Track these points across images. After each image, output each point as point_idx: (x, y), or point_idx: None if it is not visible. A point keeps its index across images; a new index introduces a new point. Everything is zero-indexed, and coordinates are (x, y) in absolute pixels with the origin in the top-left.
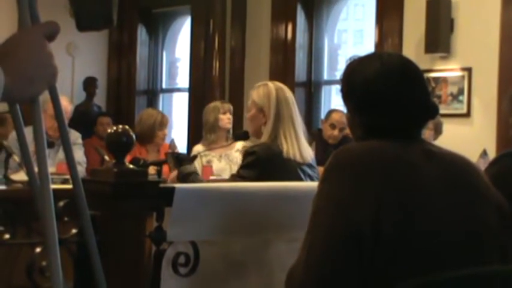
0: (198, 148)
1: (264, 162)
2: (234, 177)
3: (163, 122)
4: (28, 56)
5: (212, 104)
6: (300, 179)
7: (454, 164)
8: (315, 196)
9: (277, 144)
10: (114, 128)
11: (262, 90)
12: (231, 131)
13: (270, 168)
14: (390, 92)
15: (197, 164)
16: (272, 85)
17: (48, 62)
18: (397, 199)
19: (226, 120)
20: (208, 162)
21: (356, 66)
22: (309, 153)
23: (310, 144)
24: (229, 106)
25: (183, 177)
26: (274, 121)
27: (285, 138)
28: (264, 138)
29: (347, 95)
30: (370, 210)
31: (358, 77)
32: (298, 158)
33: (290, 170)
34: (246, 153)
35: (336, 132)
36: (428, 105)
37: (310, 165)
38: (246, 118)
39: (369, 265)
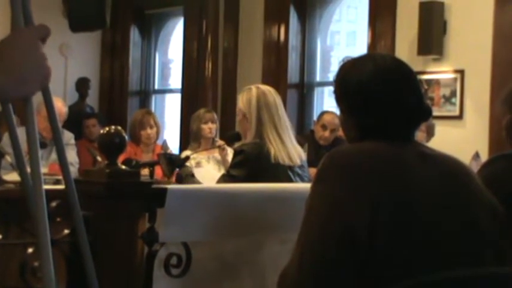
0: (186, 153)
1: (252, 161)
2: (224, 177)
3: (143, 122)
4: (22, 56)
5: (197, 113)
6: (290, 179)
7: (447, 165)
8: (308, 197)
9: (263, 142)
10: (107, 128)
11: (245, 95)
12: (218, 137)
13: (259, 167)
14: (383, 93)
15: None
16: (255, 90)
17: (41, 62)
18: (391, 200)
19: (207, 130)
20: (198, 163)
21: (349, 67)
22: (298, 154)
23: (302, 145)
24: (210, 115)
25: (180, 179)
26: (256, 126)
27: (270, 142)
28: (248, 141)
29: (340, 97)
30: (364, 211)
31: (352, 79)
32: (286, 161)
33: (279, 169)
34: (235, 153)
35: (327, 133)
36: (421, 107)
37: (300, 166)
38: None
39: (364, 265)
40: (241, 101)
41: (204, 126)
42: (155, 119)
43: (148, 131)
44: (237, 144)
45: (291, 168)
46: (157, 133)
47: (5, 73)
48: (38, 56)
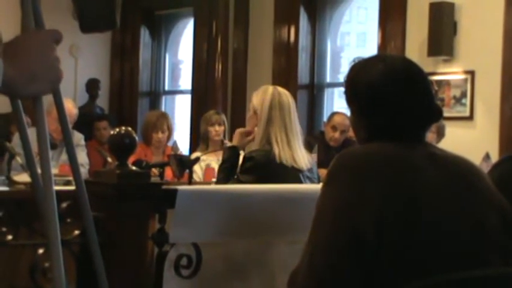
0: (196, 155)
1: (261, 167)
2: (233, 183)
3: (156, 125)
4: (37, 54)
5: (205, 114)
6: (300, 182)
7: (458, 166)
8: (318, 198)
9: (271, 149)
10: (117, 129)
11: (260, 93)
12: (227, 139)
13: (268, 173)
14: (394, 94)
15: (198, 168)
16: (272, 89)
17: (54, 64)
18: (397, 201)
19: (213, 132)
20: (208, 165)
21: (360, 68)
22: (304, 160)
23: (312, 147)
24: (218, 118)
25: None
26: (266, 125)
27: (276, 143)
28: (256, 141)
29: (351, 97)
30: (373, 213)
31: (362, 79)
32: (289, 161)
33: (288, 174)
34: (244, 159)
35: (337, 134)
36: (432, 107)
37: (309, 169)
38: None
39: (372, 267)
40: (256, 98)
41: (211, 129)
42: (169, 123)
43: (160, 135)
44: (247, 150)
45: (299, 171)
46: (169, 137)
47: (17, 69)
48: (51, 58)
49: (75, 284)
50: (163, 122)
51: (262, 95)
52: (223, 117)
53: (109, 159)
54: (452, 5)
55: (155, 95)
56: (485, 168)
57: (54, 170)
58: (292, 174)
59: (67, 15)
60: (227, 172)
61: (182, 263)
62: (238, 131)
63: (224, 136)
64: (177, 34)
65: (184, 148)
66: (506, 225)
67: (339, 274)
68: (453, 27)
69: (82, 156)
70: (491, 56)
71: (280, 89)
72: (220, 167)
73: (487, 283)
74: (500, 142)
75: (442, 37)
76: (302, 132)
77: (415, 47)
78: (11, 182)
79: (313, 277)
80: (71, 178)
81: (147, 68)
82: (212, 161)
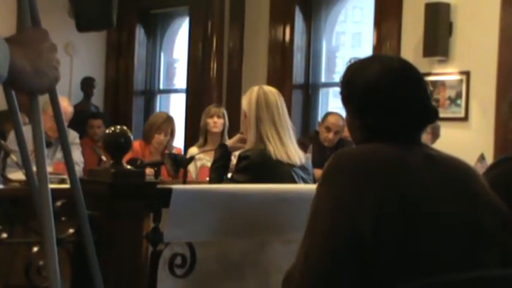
0: (193, 150)
1: (257, 167)
2: (228, 182)
3: (161, 127)
4: (43, 51)
5: (206, 108)
6: (292, 178)
7: (454, 167)
8: (314, 198)
9: (265, 147)
10: (112, 128)
11: (248, 94)
12: (226, 135)
13: (263, 173)
14: (390, 94)
15: (192, 167)
16: (257, 89)
17: (55, 65)
18: (396, 202)
19: (212, 124)
20: (203, 166)
21: (356, 68)
22: (298, 155)
23: (307, 147)
24: (216, 110)
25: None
26: (256, 124)
27: (268, 140)
28: (249, 140)
29: (347, 98)
30: (370, 213)
31: (359, 80)
32: (285, 158)
33: (283, 173)
34: (240, 158)
35: (331, 135)
36: (428, 108)
37: (303, 168)
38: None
39: (368, 267)
40: (244, 99)
41: (209, 120)
42: (173, 127)
43: (162, 137)
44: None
45: (292, 167)
46: (170, 140)
47: (26, 58)
48: (54, 58)
49: (69, 282)
50: (168, 126)
51: (249, 97)
52: (223, 110)
53: (104, 158)
54: (448, 6)
55: (150, 94)
56: (480, 170)
57: (49, 168)
58: (287, 172)
59: (62, 13)
60: (219, 171)
61: (176, 262)
62: (239, 135)
63: (223, 130)
64: (173, 33)
65: (179, 147)
66: (503, 226)
67: (335, 274)
68: (449, 28)
69: (77, 155)
70: (486, 57)
71: (267, 88)
72: (212, 166)
73: (486, 284)
74: (495, 143)
75: (438, 38)
76: (294, 128)
77: (411, 48)
78: (6, 180)
79: (309, 277)
80: (65, 176)
81: (142, 66)
82: (208, 161)
